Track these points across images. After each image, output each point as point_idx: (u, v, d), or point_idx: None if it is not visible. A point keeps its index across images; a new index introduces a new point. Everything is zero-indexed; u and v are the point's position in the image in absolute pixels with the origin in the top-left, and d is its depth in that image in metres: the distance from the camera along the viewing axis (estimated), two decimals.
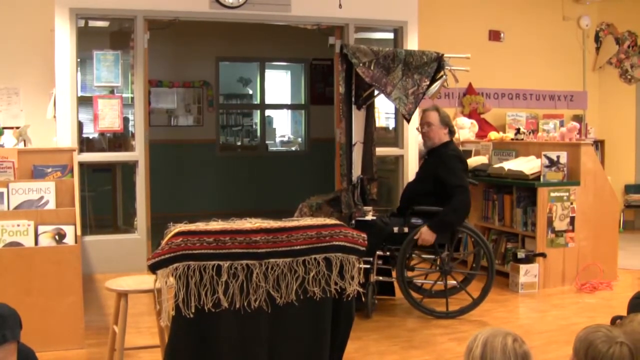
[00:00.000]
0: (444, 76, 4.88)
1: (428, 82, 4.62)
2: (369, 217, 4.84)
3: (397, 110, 5.67)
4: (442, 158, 4.81)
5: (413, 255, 4.98)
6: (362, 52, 4.70)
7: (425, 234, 4.59)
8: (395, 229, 4.74)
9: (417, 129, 5.08)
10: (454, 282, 4.92)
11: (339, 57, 6.79)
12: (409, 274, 4.99)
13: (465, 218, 4.74)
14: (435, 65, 4.66)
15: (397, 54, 4.69)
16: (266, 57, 10.19)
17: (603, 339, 1.98)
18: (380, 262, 4.88)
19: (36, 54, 6.33)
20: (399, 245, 4.69)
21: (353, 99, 4.95)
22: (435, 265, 4.90)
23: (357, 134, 5.11)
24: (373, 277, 4.75)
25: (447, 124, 4.92)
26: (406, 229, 4.72)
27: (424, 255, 4.97)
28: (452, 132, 4.96)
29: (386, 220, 4.86)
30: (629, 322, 2.19)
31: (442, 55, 4.74)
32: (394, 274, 4.94)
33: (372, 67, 4.63)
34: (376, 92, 5.07)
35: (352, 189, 5.01)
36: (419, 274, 5.09)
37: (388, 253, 4.83)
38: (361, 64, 4.66)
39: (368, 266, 4.68)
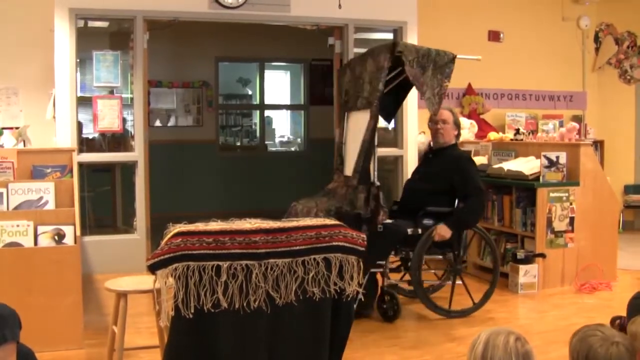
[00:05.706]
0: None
1: (448, 83, 4.52)
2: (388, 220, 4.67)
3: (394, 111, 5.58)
4: (455, 160, 4.82)
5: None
6: (409, 49, 4.53)
7: (442, 229, 4.55)
8: (410, 231, 4.62)
9: (429, 124, 5.03)
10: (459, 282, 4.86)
11: (338, 57, 6.84)
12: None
13: (479, 220, 4.91)
14: (452, 66, 4.55)
15: (430, 52, 4.53)
16: (265, 57, 10.19)
17: (600, 342, 2.02)
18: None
19: (36, 54, 6.32)
20: (411, 247, 4.62)
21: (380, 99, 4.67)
22: (448, 265, 4.86)
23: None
24: (384, 281, 4.70)
25: (459, 125, 5.01)
26: (420, 231, 4.63)
27: (433, 255, 4.85)
28: (459, 136, 5.05)
29: (395, 222, 4.70)
30: None
31: (455, 56, 4.64)
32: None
33: (414, 66, 4.48)
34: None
35: (369, 189, 4.65)
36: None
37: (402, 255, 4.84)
38: (407, 62, 4.47)
39: (381, 270, 4.66)
